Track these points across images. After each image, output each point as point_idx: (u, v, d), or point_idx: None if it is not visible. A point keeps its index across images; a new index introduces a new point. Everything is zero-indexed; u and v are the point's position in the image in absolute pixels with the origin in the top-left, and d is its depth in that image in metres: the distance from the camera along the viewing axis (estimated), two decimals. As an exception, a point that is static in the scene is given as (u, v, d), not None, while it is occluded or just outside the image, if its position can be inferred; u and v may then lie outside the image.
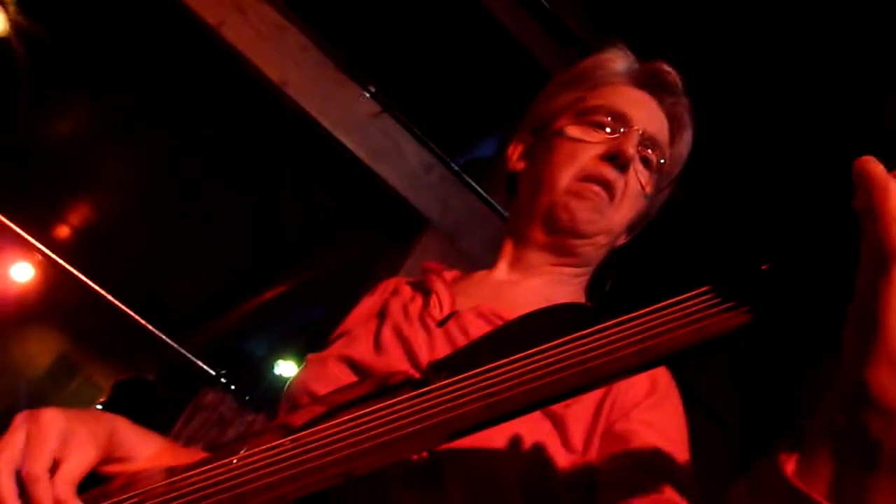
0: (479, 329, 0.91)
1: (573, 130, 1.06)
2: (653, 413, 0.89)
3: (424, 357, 0.88)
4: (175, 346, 3.52)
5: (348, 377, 0.88)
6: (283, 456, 0.72)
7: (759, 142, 2.59)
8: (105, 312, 4.03)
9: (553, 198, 1.03)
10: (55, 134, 4.16)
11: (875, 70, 2.15)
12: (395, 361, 0.89)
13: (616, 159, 1.01)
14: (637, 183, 1.05)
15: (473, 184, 2.49)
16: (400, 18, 2.54)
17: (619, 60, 1.14)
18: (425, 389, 0.72)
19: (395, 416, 0.70)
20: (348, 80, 2.37)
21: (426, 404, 0.71)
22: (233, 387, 2.65)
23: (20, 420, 0.78)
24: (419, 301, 1.02)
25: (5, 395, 5.77)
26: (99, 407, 3.58)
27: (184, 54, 2.31)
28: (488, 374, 0.71)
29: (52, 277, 5.28)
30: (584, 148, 1.04)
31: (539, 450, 0.80)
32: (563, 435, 0.82)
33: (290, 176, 2.80)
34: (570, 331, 0.71)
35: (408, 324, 0.96)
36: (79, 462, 0.78)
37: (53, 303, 5.20)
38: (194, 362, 3.38)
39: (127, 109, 3.16)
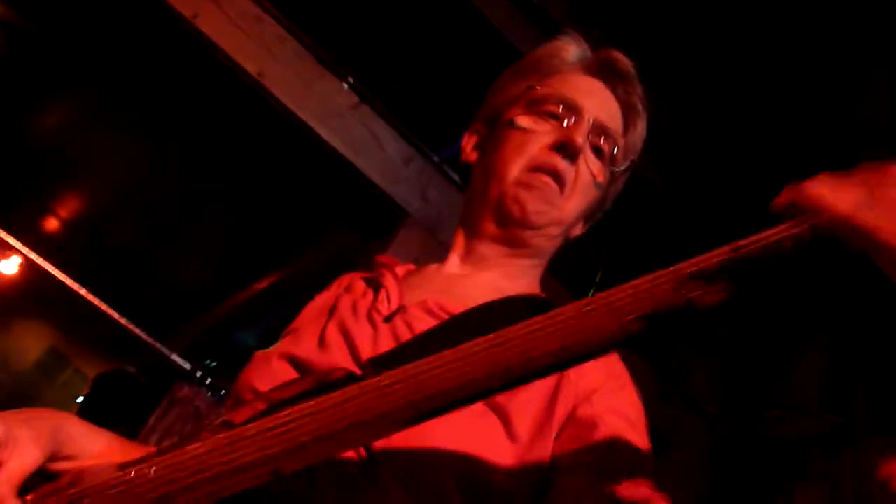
0: (424, 324, 0.91)
1: (523, 121, 1.05)
2: (615, 398, 0.90)
3: (367, 353, 0.87)
4: (150, 340, 3.52)
5: (291, 375, 0.87)
6: (215, 454, 0.72)
7: (736, 131, 2.59)
8: (90, 306, 4.03)
9: (503, 189, 1.02)
10: (40, 126, 4.15)
11: (848, 65, 2.15)
12: (338, 358, 0.88)
13: (565, 149, 1.00)
14: (588, 172, 1.04)
15: (453, 175, 2.48)
16: (379, 9, 2.53)
17: (571, 49, 1.13)
18: (359, 385, 0.72)
19: (327, 413, 0.70)
20: (326, 72, 2.35)
21: (358, 401, 0.70)
22: (208, 381, 2.65)
23: None
24: (370, 296, 1.01)
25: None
26: (80, 400, 3.59)
27: (160, 47, 2.30)
28: (421, 370, 0.70)
29: (39, 272, 5.28)
30: (533, 138, 1.03)
31: (481, 443, 0.80)
32: (507, 426, 0.81)
33: (270, 169, 2.79)
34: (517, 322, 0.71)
35: (354, 320, 0.96)
36: (20, 463, 0.78)
37: (42, 296, 5.19)
38: (169, 357, 3.38)
39: (109, 102, 3.14)
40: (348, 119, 2.36)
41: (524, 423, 0.83)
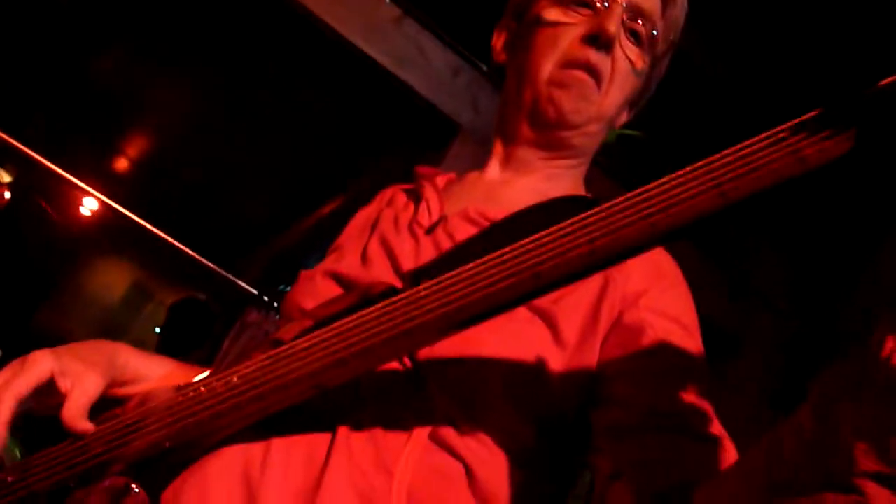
0: (465, 233, 0.88)
1: (552, 13, 0.98)
2: (663, 300, 0.85)
3: (409, 266, 0.86)
4: (220, 271, 3.63)
5: (335, 291, 0.87)
6: (262, 371, 0.73)
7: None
8: (164, 243, 4.18)
9: (536, 89, 0.96)
10: (104, 71, 4.23)
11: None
12: (380, 272, 0.87)
13: (598, 40, 0.93)
14: (625, 60, 0.97)
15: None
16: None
17: None
18: (395, 298, 0.71)
19: (365, 327, 0.70)
20: (368, -16, 2.30)
21: (395, 313, 0.70)
22: (276, 305, 2.73)
23: (9, 365, 0.80)
24: (411, 209, 1.00)
25: (88, 324, 6.10)
26: (158, 330, 3.75)
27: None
28: (456, 278, 0.69)
29: (114, 212, 5.48)
30: (564, 31, 0.96)
31: (528, 349, 0.78)
32: (554, 331, 0.80)
33: (321, 93, 2.77)
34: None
35: (395, 233, 0.94)
36: (84, 390, 0.81)
37: (120, 235, 5.40)
38: (238, 284, 3.47)
39: (164, 45, 3.16)
40: (392, 33, 2.31)
41: (571, 329, 0.80)
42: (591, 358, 0.80)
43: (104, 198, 4.29)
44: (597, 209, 0.63)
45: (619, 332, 0.81)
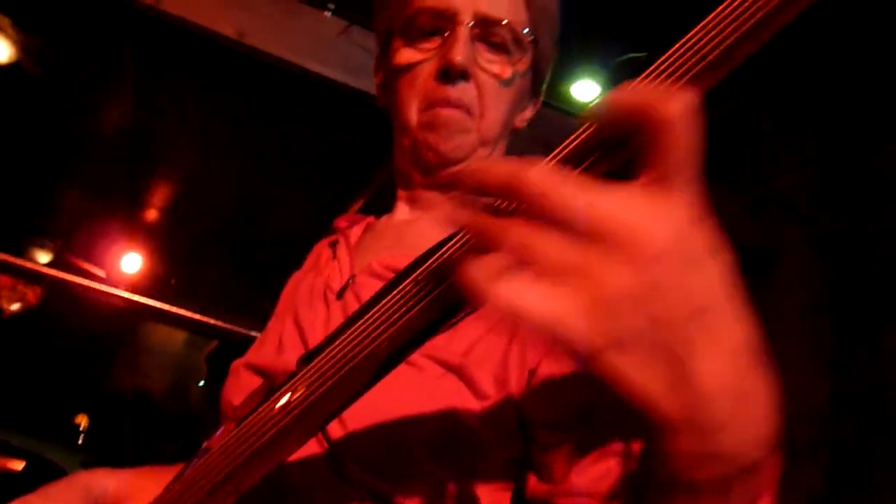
0: (372, 290, 0.86)
1: (404, 56, 0.94)
2: None
3: (317, 342, 0.84)
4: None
5: (257, 384, 0.85)
6: (193, 482, 0.75)
7: None
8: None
9: (412, 136, 0.93)
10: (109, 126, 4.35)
11: None
12: (291, 357, 0.83)
13: (448, 75, 0.88)
14: (489, 77, 0.92)
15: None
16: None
17: None
18: (288, 384, 0.71)
19: (266, 420, 0.70)
20: (304, 6, 2.28)
21: (291, 399, 0.70)
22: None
23: None
24: (327, 271, 0.97)
25: (162, 371, 6.33)
26: (202, 384, 3.86)
27: (142, 39, 2.29)
28: (341, 345, 0.68)
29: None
30: (418, 71, 0.92)
31: (445, 406, 0.75)
32: (469, 384, 0.76)
33: (294, 123, 2.78)
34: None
35: (309, 306, 0.91)
36: None
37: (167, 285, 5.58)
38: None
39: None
40: (341, 46, 2.29)
41: (486, 378, 0.76)
42: (511, 407, 0.76)
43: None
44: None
45: (536, 382, 0.76)
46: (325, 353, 0.69)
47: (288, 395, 0.70)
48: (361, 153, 3.20)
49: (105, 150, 4.47)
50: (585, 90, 3.13)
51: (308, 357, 0.77)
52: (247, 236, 5.21)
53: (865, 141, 2.83)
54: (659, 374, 0.39)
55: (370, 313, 0.67)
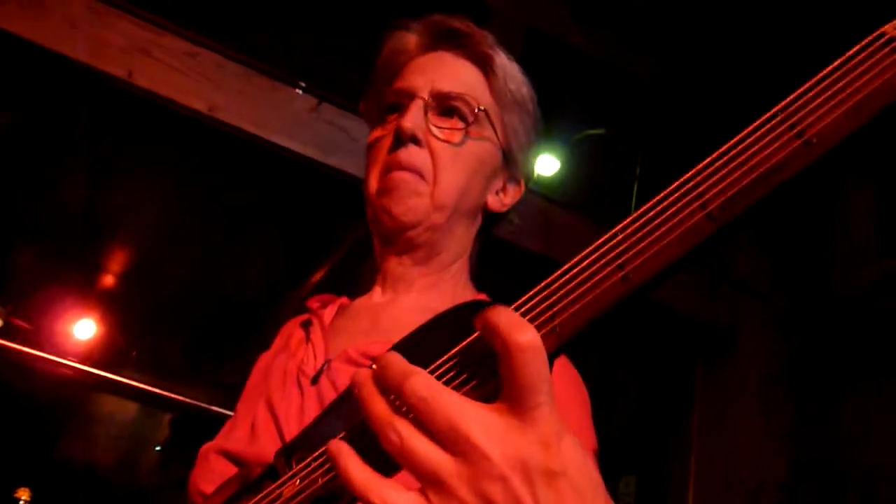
0: (348, 378, 0.87)
1: (373, 133, 1.02)
2: None
3: (293, 430, 0.82)
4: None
5: (229, 471, 0.82)
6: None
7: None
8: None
9: (372, 205, 0.99)
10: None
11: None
12: (266, 445, 0.83)
13: (399, 140, 0.95)
14: (440, 142, 0.97)
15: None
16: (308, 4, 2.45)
17: (403, 39, 1.07)
18: (276, 485, 0.70)
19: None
20: (276, 83, 2.31)
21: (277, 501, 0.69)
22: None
23: None
24: (301, 353, 0.96)
25: (111, 441, 6.09)
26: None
27: (112, 114, 2.30)
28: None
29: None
30: (381, 145, 0.99)
31: None
32: None
33: (260, 197, 2.79)
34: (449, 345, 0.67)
35: (282, 390, 0.90)
36: None
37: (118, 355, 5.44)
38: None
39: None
40: (313, 123, 2.32)
41: None
42: None
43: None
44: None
45: None
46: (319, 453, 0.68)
47: (280, 491, 0.69)
48: (325, 228, 3.23)
49: (62, 215, 4.43)
50: (545, 165, 3.22)
51: (288, 450, 0.76)
52: (206, 307, 5.14)
53: (816, 218, 2.94)
54: None
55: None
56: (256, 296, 4.79)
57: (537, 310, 0.51)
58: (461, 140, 0.98)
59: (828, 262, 2.87)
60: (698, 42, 2.89)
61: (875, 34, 0.48)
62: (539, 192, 2.65)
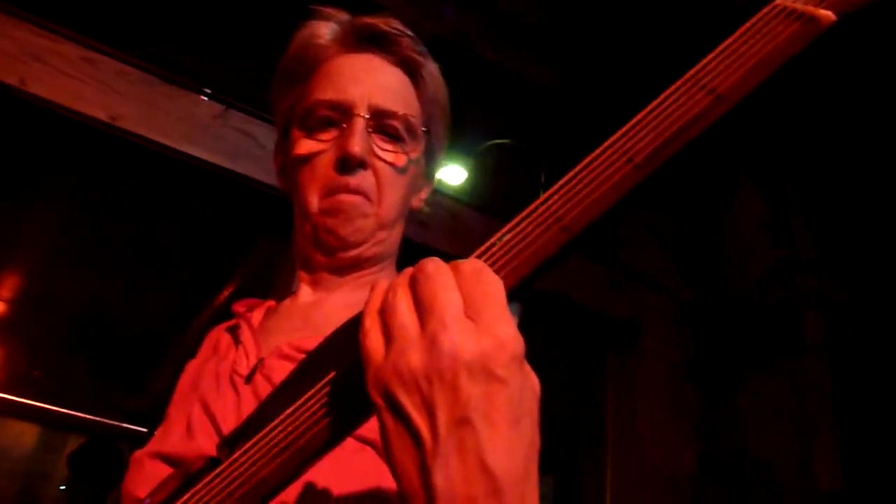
0: (283, 372, 0.86)
1: (304, 147, 1.00)
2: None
3: (231, 427, 0.82)
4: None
5: (165, 473, 0.84)
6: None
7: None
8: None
9: (313, 222, 0.98)
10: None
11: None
12: (204, 442, 0.83)
13: (346, 165, 0.95)
14: (385, 166, 0.99)
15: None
16: (211, 9, 2.41)
17: (324, 30, 1.05)
18: (216, 472, 0.70)
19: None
20: (179, 90, 2.26)
21: (217, 487, 0.68)
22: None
23: None
24: (231, 355, 0.96)
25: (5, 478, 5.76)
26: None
27: (2, 125, 2.18)
28: (274, 431, 0.68)
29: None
30: (318, 160, 0.98)
31: (364, 482, 0.77)
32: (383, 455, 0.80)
33: (168, 205, 2.71)
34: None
35: (216, 392, 0.90)
36: None
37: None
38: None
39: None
40: (218, 129, 2.28)
41: None
42: None
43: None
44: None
45: None
46: (260, 436, 0.68)
47: (220, 478, 0.68)
48: (233, 240, 3.17)
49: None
50: (453, 175, 3.28)
51: (231, 440, 0.75)
52: (106, 328, 4.95)
53: (711, 215, 3.10)
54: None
55: (307, 397, 0.67)
56: (161, 316, 4.65)
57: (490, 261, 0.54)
58: (405, 164, 1.01)
59: (723, 255, 3.02)
60: (597, 52, 3.00)
61: (770, 6, 0.57)
62: (449, 195, 2.69)
